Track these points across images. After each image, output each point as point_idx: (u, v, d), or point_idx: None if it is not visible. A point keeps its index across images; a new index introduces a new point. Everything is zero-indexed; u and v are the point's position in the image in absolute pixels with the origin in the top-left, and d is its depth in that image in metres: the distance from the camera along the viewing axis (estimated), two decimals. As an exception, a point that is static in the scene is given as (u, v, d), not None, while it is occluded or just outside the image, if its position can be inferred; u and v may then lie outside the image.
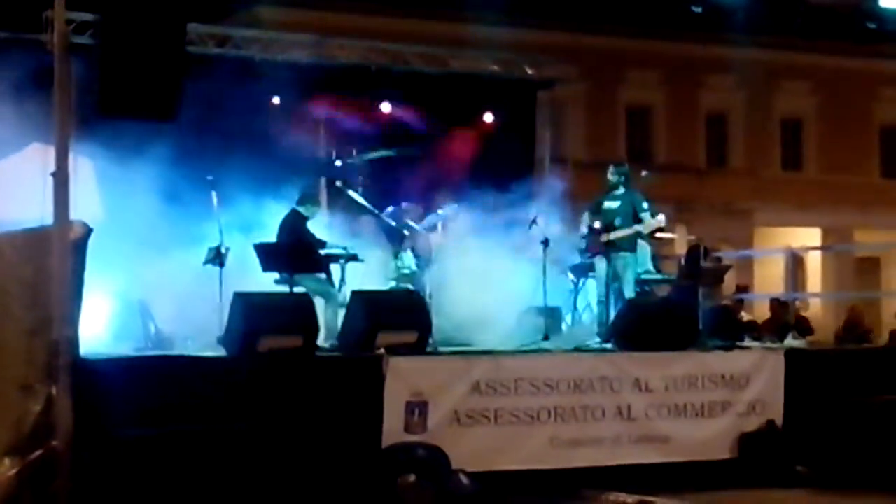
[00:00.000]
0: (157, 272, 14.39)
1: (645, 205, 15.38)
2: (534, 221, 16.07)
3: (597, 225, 15.45)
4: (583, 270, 16.63)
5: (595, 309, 16.11)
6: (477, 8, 28.52)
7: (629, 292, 15.21)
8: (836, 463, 13.35)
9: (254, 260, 14.00)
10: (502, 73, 20.09)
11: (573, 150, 32.87)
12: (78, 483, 10.12)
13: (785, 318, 19.25)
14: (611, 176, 15.61)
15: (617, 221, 15.29)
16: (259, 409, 11.20)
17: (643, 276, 16.04)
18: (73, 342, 10.42)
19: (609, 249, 15.22)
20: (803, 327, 18.33)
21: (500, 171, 18.12)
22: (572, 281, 16.65)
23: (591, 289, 16.58)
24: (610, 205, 15.44)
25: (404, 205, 16.29)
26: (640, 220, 15.27)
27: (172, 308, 14.37)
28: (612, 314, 14.88)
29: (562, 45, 31.91)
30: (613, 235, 15.19)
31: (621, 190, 15.51)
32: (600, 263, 15.29)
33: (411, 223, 15.77)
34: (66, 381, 10.16)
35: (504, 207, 16.95)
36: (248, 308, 12.12)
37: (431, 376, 12.20)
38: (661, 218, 15.31)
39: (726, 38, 32.83)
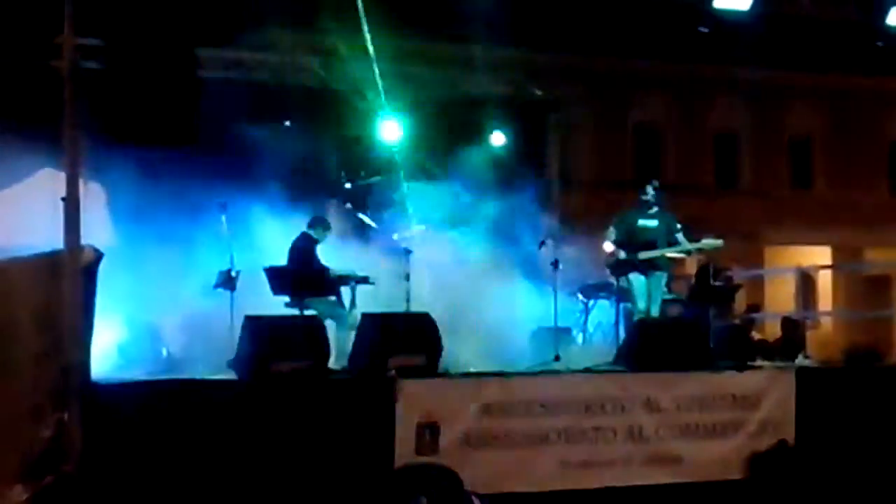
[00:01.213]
0: (167, 296, 14.44)
1: (678, 225, 15.38)
2: (543, 243, 16.09)
3: (608, 247, 15.42)
4: (594, 291, 16.63)
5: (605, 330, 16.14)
6: (486, 29, 28.54)
7: (656, 311, 15.22)
8: (848, 482, 13.32)
9: (264, 283, 14.03)
10: (511, 94, 20.10)
11: (582, 170, 32.87)
12: (90, 507, 10.15)
13: (796, 337, 19.18)
14: (648, 196, 15.46)
15: (658, 241, 15.23)
16: (270, 433, 11.20)
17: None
18: (85, 367, 10.45)
19: (648, 268, 15.18)
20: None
21: (510, 192, 18.14)
22: (582, 301, 16.65)
23: (603, 309, 16.58)
24: (647, 223, 15.36)
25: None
26: (674, 241, 15.25)
27: (183, 332, 14.42)
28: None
29: (570, 67, 31.98)
30: (670, 252, 15.21)
31: (655, 209, 15.44)
32: (637, 280, 15.20)
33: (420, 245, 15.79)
34: (77, 405, 10.18)
35: (514, 228, 16.98)
36: (259, 331, 12.12)
37: (442, 398, 12.19)
38: (720, 240, 15.30)
39: (734, 58, 32.83)
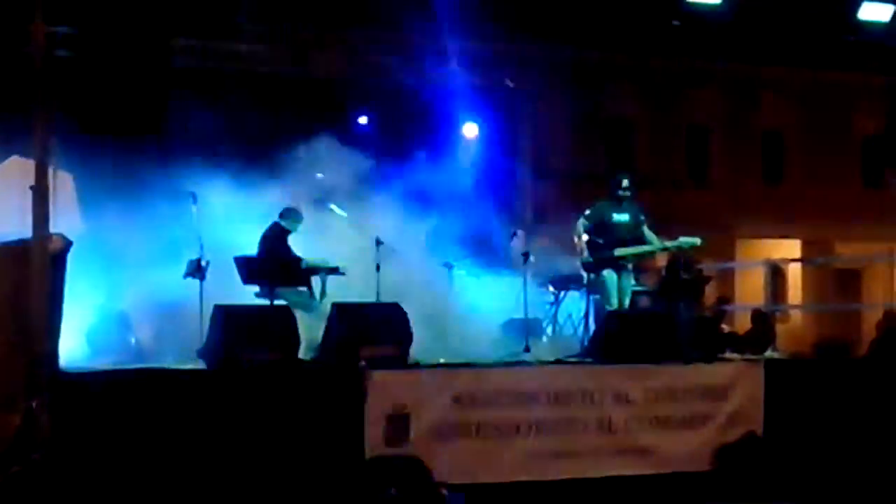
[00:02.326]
0: (137, 285, 14.41)
1: (643, 218, 15.33)
2: (514, 234, 16.07)
3: (584, 239, 15.35)
4: (564, 283, 16.63)
5: (576, 321, 16.15)
6: (459, 21, 28.52)
7: (627, 303, 15.21)
8: (816, 474, 13.38)
9: (234, 272, 14.00)
10: (484, 85, 20.08)
11: (555, 162, 32.87)
12: (58, 496, 10.10)
13: (766, 330, 19.25)
14: (623, 189, 15.26)
15: (628, 236, 15.17)
16: (239, 422, 11.18)
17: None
18: (53, 355, 10.43)
19: (620, 264, 15.12)
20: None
21: (481, 184, 18.15)
22: (553, 293, 16.65)
23: (573, 301, 16.58)
24: (619, 217, 15.15)
25: None
26: (640, 234, 15.19)
27: (153, 321, 14.39)
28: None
29: (543, 59, 31.97)
30: (647, 249, 15.20)
31: (625, 203, 15.31)
32: (610, 278, 15.11)
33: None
34: (45, 394, 10.14)
35: (485, 220, 16.98)
36: (228, 321, 12.11)
37: (413, 389, 12.18)
38: (697, 239, 15.27)
39: (706, 52, 32.91)
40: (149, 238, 14.58)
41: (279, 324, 12.38)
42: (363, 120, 18.53)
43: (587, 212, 15.31)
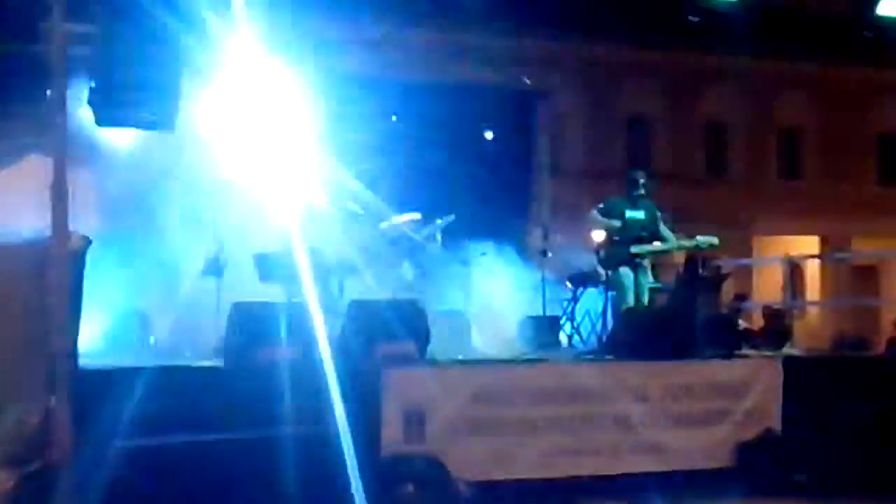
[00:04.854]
0: (155, 283, 14.43)
1: (659, 214, 15.32)
2: (532, 231, 16.06)
3: (599, 236, 15.35)
4: (582, 279, 16.63)
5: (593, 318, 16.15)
6: (476, 19, 28.53)
7: (645, 300, 15.21)
8: (834, 471, 13.36)
9: (252, 270, 14.02)
10: (501, 83, 20.07)
11: (572, 160, 32.89)
12: (76, 495, 10.12)
13: (783, 326, 19.22)
14: (639, 187, 15.33)
15: (644, 234, 15.18)
16: (257, 420, 11.19)
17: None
18: (72, 354, 10.43)
19: (637, 261, 15.11)
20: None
21: (499, 181, 18.14)
22: (570, 290, 16.66)
23: (590, 298, 16.59)
24: (635, 215, 15.24)
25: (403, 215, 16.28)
26: (657, 231, 15.17)
27: (171, 319, 14.41)
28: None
29: (560, 56, 31.95)
30: (665, 247, 15.19)
31: (640, 200, 15.33)
32: (626, 276, 15.11)
33: (410, 233, 15.76)
34: (64, 392, 10.16)
35: (502, 217, 16.98)
36: (246, 318, 12.11)
37: (430, 386, 12.17)
38: (715, 238, 15.27)
39: (724, 48, 32.89)
40: (166, 236, 14.61)
41: (296, 321, 12.38)
42: (382, 117, 18.47)
43: (600, 205, 15.33)
